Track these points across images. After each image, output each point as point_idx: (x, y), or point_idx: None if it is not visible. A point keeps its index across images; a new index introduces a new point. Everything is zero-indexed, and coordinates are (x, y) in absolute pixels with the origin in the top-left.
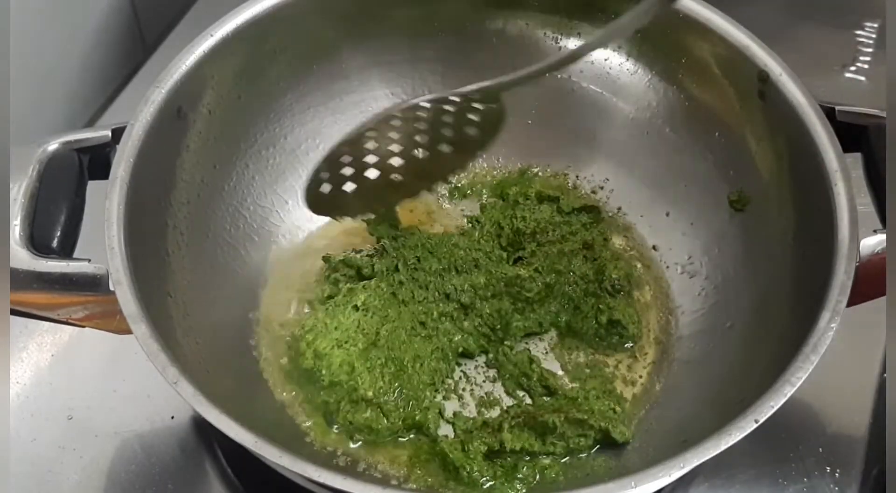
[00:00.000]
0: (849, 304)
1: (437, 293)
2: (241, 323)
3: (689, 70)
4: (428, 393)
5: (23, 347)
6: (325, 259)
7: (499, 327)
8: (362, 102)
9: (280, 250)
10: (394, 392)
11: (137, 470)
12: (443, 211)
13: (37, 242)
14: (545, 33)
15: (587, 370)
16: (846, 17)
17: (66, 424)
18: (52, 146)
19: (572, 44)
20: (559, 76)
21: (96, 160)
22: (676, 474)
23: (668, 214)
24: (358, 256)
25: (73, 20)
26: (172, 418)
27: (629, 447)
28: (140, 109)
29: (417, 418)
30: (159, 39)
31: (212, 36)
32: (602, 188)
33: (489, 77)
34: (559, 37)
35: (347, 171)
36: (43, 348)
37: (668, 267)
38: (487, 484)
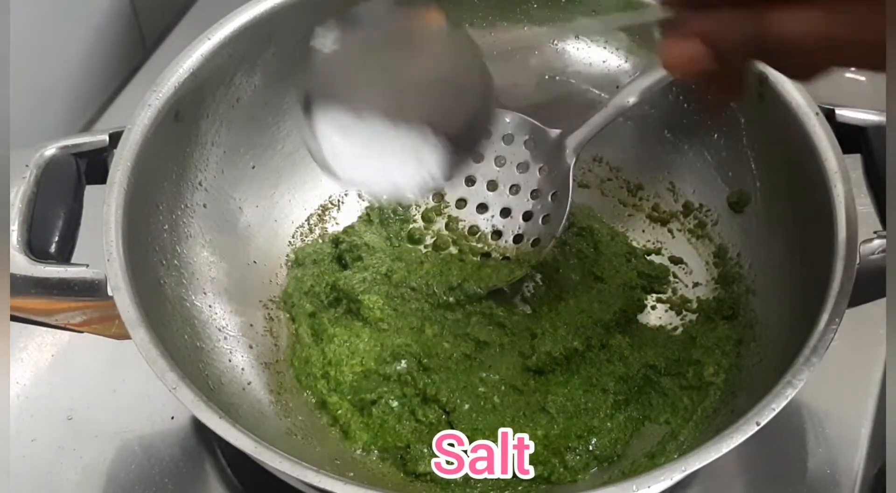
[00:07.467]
0: (849, 305)
1: None
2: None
3: None
4: None
5: (23, 347)
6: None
7: None
8: None
9: (282, 253)
10: None
11: (137, 471)
12: None
13: (34, 248)
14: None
15: None
16: None
17: (66, 424)
18: (50, 151)
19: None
20: (557, 78)
21: (94, 165)
22: (677, 477)
23: None
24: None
25: (72, 21)
26: (172, 418)
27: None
28: (137, 113)
29: None
30: (159, 40)
31: (209, 39)
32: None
33: None
34: None
35: None
36: (43, 349)
37: None
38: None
